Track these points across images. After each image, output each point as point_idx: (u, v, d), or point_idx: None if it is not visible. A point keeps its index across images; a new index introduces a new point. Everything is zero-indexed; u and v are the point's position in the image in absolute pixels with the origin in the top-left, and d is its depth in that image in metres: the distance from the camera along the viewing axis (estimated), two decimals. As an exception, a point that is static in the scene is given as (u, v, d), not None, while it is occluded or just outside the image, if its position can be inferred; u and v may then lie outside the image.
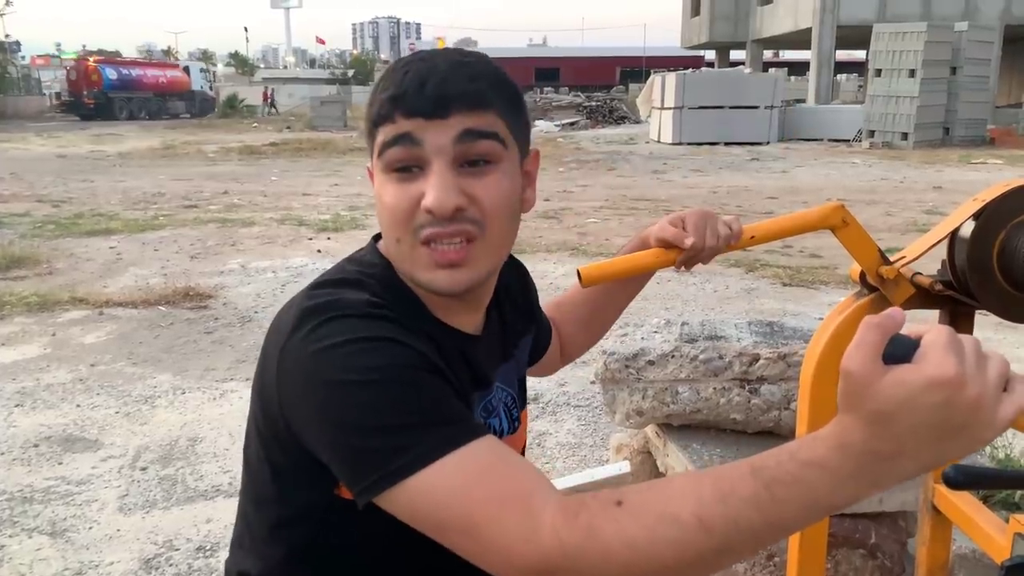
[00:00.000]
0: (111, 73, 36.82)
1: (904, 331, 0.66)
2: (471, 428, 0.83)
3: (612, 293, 1.35)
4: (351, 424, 0.81)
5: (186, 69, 42.47)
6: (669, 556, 0.71)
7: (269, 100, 39.93)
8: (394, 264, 0.96)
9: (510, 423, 1.09)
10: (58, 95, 37.32)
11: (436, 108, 0.88)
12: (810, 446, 0.68)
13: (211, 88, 43.14)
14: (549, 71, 67.65)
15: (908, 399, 0.63)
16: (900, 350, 0.64)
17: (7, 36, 42.89)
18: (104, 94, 35.76)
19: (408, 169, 0.90)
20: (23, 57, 64.76)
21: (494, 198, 0.91)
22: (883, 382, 0.63)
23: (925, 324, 0.67)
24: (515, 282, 1.18)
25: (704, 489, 0.72)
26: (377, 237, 1.03)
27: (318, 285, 0.93)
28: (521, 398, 1.15)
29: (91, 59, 39.73)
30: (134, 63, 42.69)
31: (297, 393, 0.86)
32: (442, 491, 0.78)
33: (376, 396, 0.81)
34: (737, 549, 0.72)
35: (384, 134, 0.90)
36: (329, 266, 1.02)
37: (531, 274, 1.29)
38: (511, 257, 1.17)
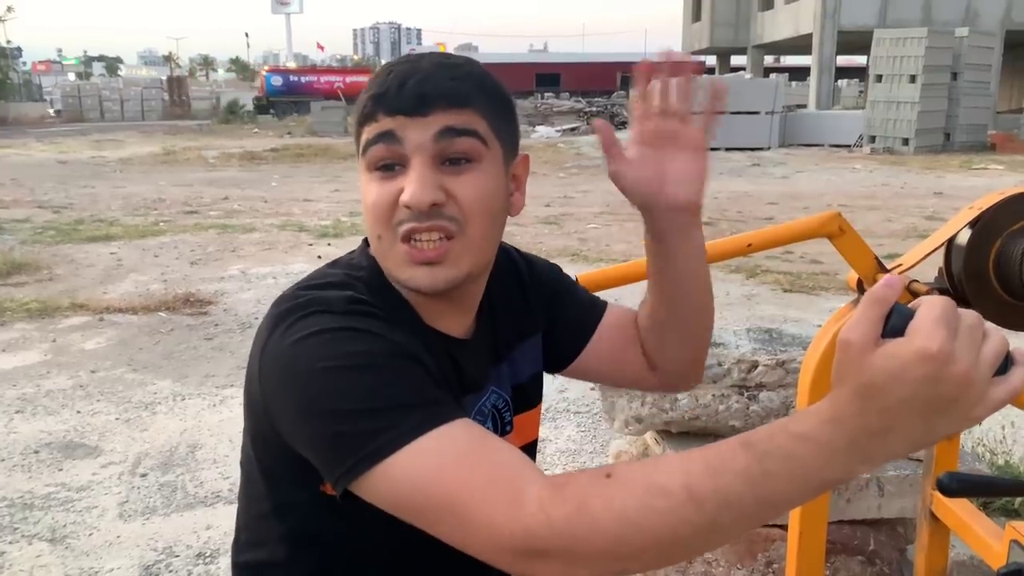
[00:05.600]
0: (275, 80, 42.40)
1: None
2: (449, 410, 0.83)
3: (669, 302, 1.10)
4: (326, 410, 0.82)
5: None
6: (659, 529, 0.71)
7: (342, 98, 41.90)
8: (379, 261, 0.97)
9: (500, 427, 1.09)
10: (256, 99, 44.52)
11: (416, 105, 0.89)
12: (802, 420, 0.68)
13: None
14: (550, 76, 67.61)
15: (897, 372, 0.63)
16: (898, 322, 0.64)
17: (8, 42, 43.07)
18: (266, 98, 41.16)
19: (391, 167, 0.91)
20: (24, 63, 64.89)
21: (473, 195, 0.92)
22: (875, 355, 0.64)
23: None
24: (511, 282, 1.13)
25: (695, 462, 0.71)
26: (367, 240, 1.03)
27: (300, 288, 0.94)
28: (519, 401, 1.12)
29: (264, 69, 46.88)
30: (304, 71, 48.37)
31: (276, 387, 0.88)
32: (421, 472, 0.78)
33: (351, 381, 0.82)
34: (727, 525, 0.71)
35: (367, 133, 0.92)
36: None
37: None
38: (512, 253, 1.15)
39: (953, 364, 0.62)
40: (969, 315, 0.64)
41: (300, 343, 0.85)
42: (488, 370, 1.07)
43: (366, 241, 1.03)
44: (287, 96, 40.79)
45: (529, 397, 1.15)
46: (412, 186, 0.89)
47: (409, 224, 0.90)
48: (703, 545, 0.74)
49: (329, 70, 51.49)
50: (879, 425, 0.65)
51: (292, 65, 53.67)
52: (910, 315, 0.64)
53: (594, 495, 0.73)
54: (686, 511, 0.70)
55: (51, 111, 37.15)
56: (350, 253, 1.05)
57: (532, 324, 1.14)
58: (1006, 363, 0.65)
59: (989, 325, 0.65)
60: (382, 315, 0.90)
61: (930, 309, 0.63)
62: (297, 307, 0.89)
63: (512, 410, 1.11)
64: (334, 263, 1.02)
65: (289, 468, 0.92)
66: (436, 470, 0.78)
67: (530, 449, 1.17)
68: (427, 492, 0.78)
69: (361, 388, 0.82)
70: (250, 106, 40.06)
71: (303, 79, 43.40)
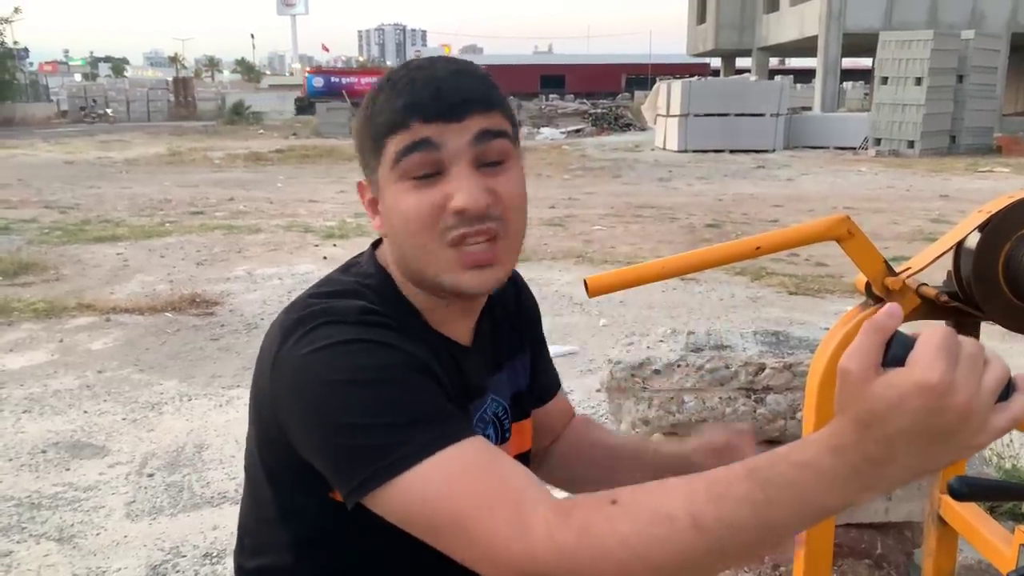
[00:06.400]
0: (316, 81, 45.58)
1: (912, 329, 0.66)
2: (461, 427, 0.84)
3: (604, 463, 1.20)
4: (340, 423, 0.82)
5: None
6: (663, 556, 0.71)
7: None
8: (412, 270, 0.96)
9: (500, 434, 1.09)
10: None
11: (454, 111, 0.90)
12: (803, 448, 0.69)
13: None
14: (555, 78, 67.69)
15: (896, 402, 0.63)
16: (899, 350, 0.64)
17: (15, 43, 43.07)
18: (307, 98, 43.29)
19: (427, 176, 0.91)
20: (31, 64, 65.09)
21: (513, 194, 0.93)
22: (875, 384, 0.64)
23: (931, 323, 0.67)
24: (509, 294, 1.15)
25: (698, 489, 0.72)
26: (375, 245, 1.03)
27: (312, 296, 0.94)
28: (516, 409, 1.13)
29: (306, 70, 50.19)
30: (345, 72, 50.95)
31: (288, 396, 0.88)
32: (432, 488, 0.79)
33: (365, 395, 0.83)
34: (730, 551, 0.72)
35: (398, 143, 0.91)
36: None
37: (536, 282, 1.24)
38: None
39: (953, 395, 0.62)
40: (969, 343, 0.64)
41: (314, 354, 0.85)
42: (489, 377, 1.08)
43: (374, 245, 1.03)
44: (328, 97, 41.49)
45: (525, 406, 1.16)
46: (464, 193, 0.89)
47: (459, 230, 0.90)
48: (707, 571, 0.74)
49: (371, 71, 52.94)
50: (879, 454, 0.65)
51: (297, 67, 53.94)
52: (911, 344, 0.64)
53: (599, 521, 0.73)
54: (689, 538, 0.71)
55: (107, 111, 36.33)
56: (358, 257, 1.04)
57: (522, 342, 1.17)
58: (1008, 390, 0.65)
59: (990, 352, 0.65)
60: (394, 325, 0.90)
61: (930, 338, 0.63)
62: (310, 316, 0.89)
63: (511, 418, 1.12)
64: (344, 269, 1.02)
65: (297, 473, 0.93)
66: (446, 489, 0.79)
67: (523, 458, 1.17)
68: (436, 510, 0.79)
69: (376, 402, 0.82)
70: (256, 107, 40.14)
71: (344, 80, 44.82)
